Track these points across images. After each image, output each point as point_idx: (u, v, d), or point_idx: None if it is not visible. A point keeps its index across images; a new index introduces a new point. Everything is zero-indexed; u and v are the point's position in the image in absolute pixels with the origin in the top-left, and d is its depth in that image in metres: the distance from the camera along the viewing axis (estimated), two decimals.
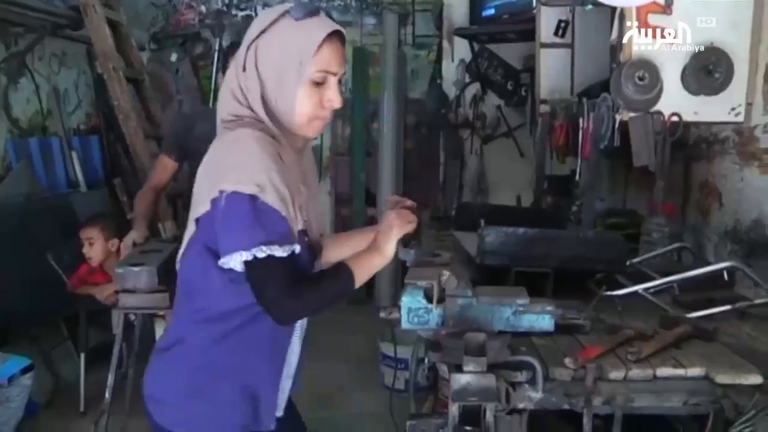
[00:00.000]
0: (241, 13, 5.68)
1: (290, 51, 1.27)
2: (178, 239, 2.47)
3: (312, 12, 1.28)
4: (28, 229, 3.54)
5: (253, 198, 1.20)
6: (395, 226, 1.33)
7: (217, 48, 5.61)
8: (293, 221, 1.26)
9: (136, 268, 2.21)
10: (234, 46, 2.50)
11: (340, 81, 1.33)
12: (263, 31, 1.29)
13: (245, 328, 1.33)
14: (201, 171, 1.29)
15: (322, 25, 1.27)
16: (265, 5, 5.60)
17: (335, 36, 1.29)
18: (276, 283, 1.23)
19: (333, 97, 1.31)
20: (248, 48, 1.30)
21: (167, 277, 2.27)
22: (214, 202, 1.23)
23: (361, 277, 1.31)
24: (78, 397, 3.30)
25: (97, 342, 3.35)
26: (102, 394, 2.66)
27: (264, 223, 1.21)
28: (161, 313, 3.09)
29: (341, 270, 1.31)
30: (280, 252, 1.21)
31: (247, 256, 1.21)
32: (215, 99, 5.60)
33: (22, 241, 3.44)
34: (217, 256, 1.25)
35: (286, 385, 1.45)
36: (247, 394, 1.38)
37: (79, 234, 3.25)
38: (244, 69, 1.30)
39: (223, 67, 2.51)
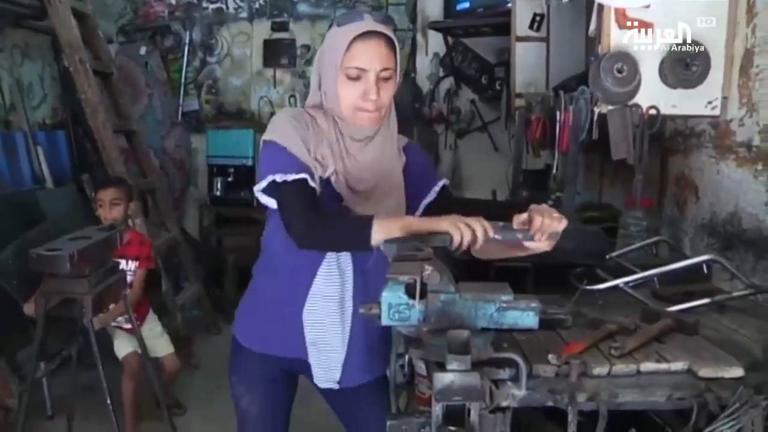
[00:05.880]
0: (211, 6, 5.57)
1: (330, 51, 1.52)
2: (114, 228, 2.63)
3: (352, 18, 1.51)
4: None
5: (270, 142, 1.50)
6: (453, 223, 1.33)
7: (187, 41, 5.51)
8: (310, 162, 1.48)
9: (47, 253, 2.25)
10: None
11: (388, 78, 1.52)
12: (324, 39, 1.58)
13: (273, 261, 1.65)
14: None
15: (356, 27, 1.48)
16: None
17: (372, 36, 1.48)
18: (290, 205, 1.45)
19: (368, 90, 1.49)
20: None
21: (87, 263, 2.35)
22: None
23: (382, 229, 1.36)
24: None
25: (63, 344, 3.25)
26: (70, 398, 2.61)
27: (275, 157, 1.48)
28: (127, 326, 3.04)
29: (362, 217, 1.43)
30: (283, 177, 1.44)
31: (263, 184, 1.48)
32: (186, 92, 5.56)
33: None
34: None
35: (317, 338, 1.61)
36: (268, 325, 1.64)
37: (97, 195, 3.16)
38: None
39: None
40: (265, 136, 1.52)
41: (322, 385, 1.66)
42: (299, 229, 1.43)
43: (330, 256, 1.58)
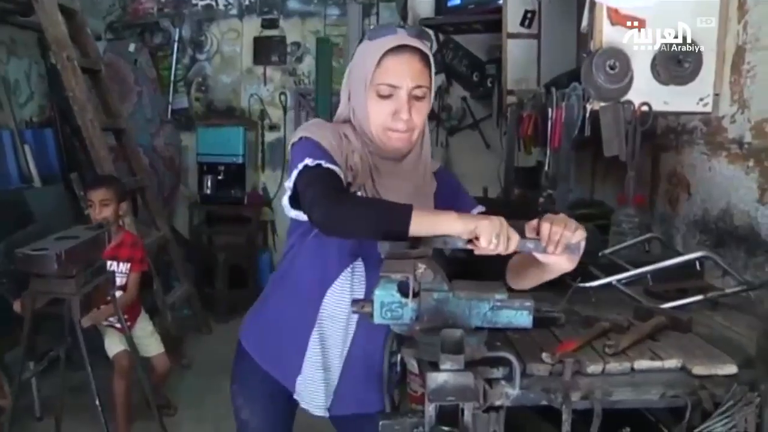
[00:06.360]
0: (201, 3, 5.54)
1: (360, 66, 1.44)
2: (102, 226, 2.59)
3: (384, 32, 1.43)
4: None
5: (306, 138, 1.39)
6: (492, 227, 1.19)
7: (176, 38, 5.47)
8: (343, 166, 1.37)
9: (34, 253, 2.22)
10: None
11: (421, 97, 1.43)
12: (355, 53, 1.50)
13: (288, 274, 1.58)
14: None
15: (387, 41, 1.40)
16: None
17: (405, 51, 1.40)
18: (317, 185, 1.30)
19: (399, 109, 1.41)
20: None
21: (75, 263, 2.31)
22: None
23: (420, 221, 1.22)
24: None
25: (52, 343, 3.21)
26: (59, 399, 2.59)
27: (311, 148, 1.36)
28: (118, 325, 2.98)
29: (399, 203, 1.27)
30: (316, 161, 1.33)
31: (294, 174, 1.35)
32: (175, 90, 5.52)
33: None
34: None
35: (313, 364, 1.55)
36: (271, 341, 1.59)
37: (88, 195, 3.10)
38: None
39: None
40: (299, 134, 1.42)
41: (313, 411, 1.59)
42: (326, 208, 1.25)
43: (345, 275, 1.49)
